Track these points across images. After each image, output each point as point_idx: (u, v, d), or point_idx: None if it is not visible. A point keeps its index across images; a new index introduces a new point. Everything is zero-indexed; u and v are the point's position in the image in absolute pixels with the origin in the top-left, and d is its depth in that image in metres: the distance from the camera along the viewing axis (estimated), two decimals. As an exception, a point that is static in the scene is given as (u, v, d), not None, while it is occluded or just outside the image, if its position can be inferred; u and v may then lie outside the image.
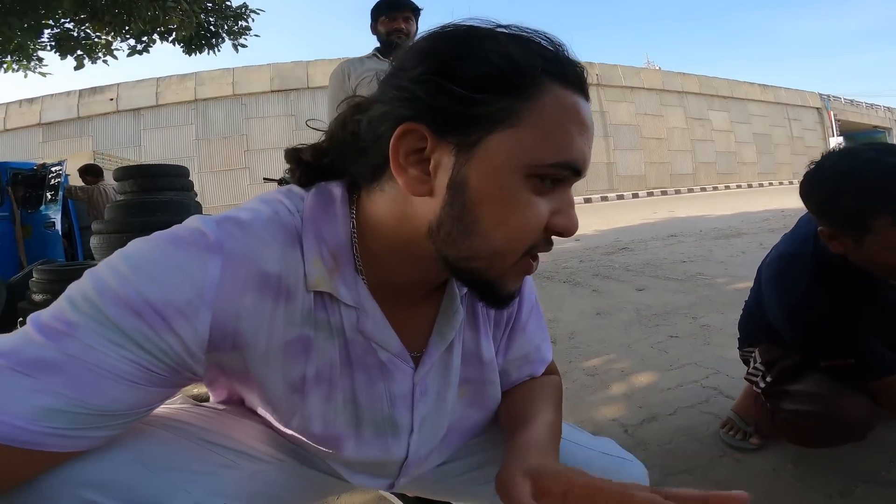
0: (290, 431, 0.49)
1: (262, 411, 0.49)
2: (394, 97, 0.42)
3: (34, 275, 2.96)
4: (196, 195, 3.98)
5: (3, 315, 2.97)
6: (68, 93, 14.03)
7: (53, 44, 4.68)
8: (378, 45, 2.01)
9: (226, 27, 5.14)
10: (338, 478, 0.55)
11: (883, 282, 0.95)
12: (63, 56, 4.70)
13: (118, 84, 14.24)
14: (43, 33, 4.55)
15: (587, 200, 13.58)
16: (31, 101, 14.01)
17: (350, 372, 0.47)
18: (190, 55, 5.11)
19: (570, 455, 0.58)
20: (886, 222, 0.81)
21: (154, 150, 13.74)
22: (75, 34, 4.70)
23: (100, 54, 4.87)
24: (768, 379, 1.11)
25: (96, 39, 4.79)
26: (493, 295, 0.45)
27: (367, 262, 0.46)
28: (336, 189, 0.47)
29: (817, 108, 21.35)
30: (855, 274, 0.93)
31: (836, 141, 19.12)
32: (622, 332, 2.24)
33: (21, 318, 2.84)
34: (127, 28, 4.41)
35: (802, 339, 1.03)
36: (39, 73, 5.08)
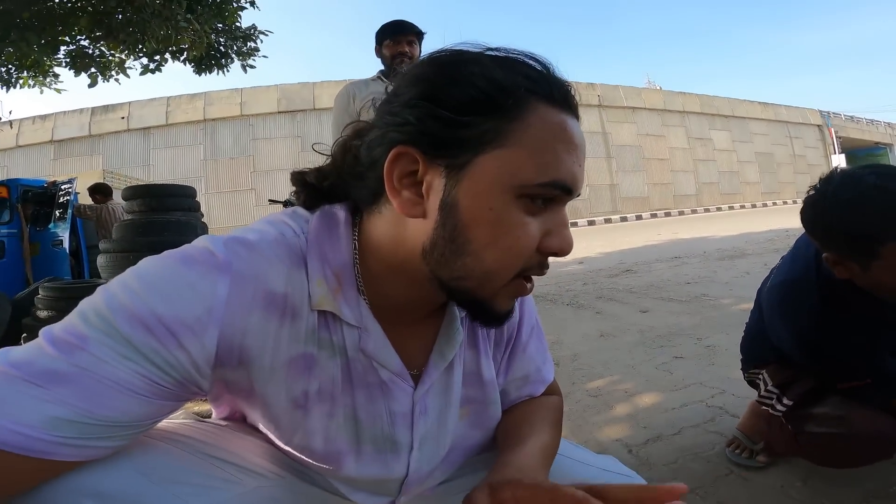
0: (291, 448, 0.49)
1: (263, 428, 0.50)
2: (388, 122, 0.43)
3: (40, 292, 3.00)
4: (202, 215, 4.02)
5: (7, 331, 2.99)
6: (81, 110, 14.25)
7: (69, 60, 4.77)
8: (383, 68, 2.05)
9: (235, 48, 5.25)
10: (338, 495, 0.55)
11: (890, 303, 0.95)
12: (78, 73, 4.79)
13: (130, 102, 14.44)
14: (59, 50, 4.63)
15: (590, 223, 13.57)
16: (43, 117, 14.23)
17: (351, 390, 0.48)
18: (200, 75, 5.21)
19: (569, 471, 0.58)
20: (895, 249, 0.81)
21: (163, 170, 13.89)
22: (91, 52, 4.81)
23: (113, 72, 4.97)
24: (786, 402, 1.10)
25: (110, 57, 4.89)
26: (485, 314, 0.46)
27: (368, 283, 0.47)
28: (340, 212, 0.48)
29: (818, 126, 21.30)
30: (862, 296, 0.93)
31: (837, 159, 19.02)
32: (626, 354, 2.23)
33: (25, 335, 2.85)
34: (140, 46, 4.50)
35: (817, 362, 1.03)
36: (55, 89, 5.20)
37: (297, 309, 0.44)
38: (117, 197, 4.79)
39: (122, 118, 14.23)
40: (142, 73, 4.99)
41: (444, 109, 0.40)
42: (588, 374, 2.02)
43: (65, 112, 14.33)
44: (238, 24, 5.22)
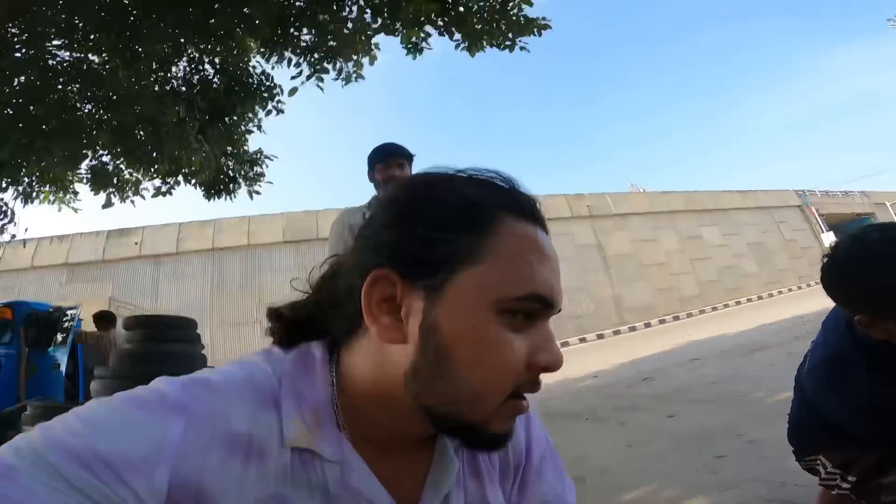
0: None
1: None
2: (364, 247, 0.44)
3: (28, 409, 3.04)
4: (203, 347, 3.99)
5: (-9, 444, 2.98)
6: (97, 233, 14.45)
7: (90, 176, 4.88)
8: (375, 193, 2.00)
9: (242, 172, 5.45)
10: None
11: None
12: (97, 191, 4.88)
13: (143, 227, 14.73)
14: (81, 164, 4.74)
15: (599, 336, 13.23)
16: (61, 238, 14.29)
17: None
18: (210, 200, 5.35)
19: None
20: None
21: (171, 299, 13.84)
22: (110, 168, 4.95)
23: (129, 192, 5.09)
24: (850, 479, 1.06)
25: (128, 176, 5.05)
26: (481, 439, 0.43)
27: (350, 417, 0.45)
28: (316, 350, 0.47)
29: (798, 206, 21.41)
30: None
31: (828, 237, 19.00)
32: (659, 461, 2.02)
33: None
34: (155, 166, 4.68)
35: (885, 433, 0.95)
36: (72, 207, 5.28)
37: (263, 449, 0.41)
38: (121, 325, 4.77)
39: (136, 243, 14.63)
40: (154, 196, 5.13)
41: (419, 227, 0.41)
42: (620, 486, 1.80)
43: (81, 234, 14.48)
44: (245, 147, 5.47)
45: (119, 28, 3.86)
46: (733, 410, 2.62)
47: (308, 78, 4.43)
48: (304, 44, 4.44)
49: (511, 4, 3.91)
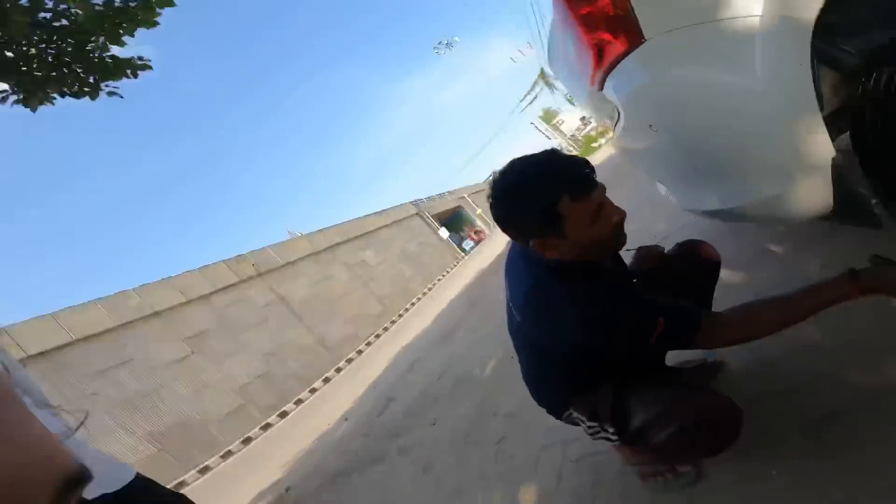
0: None
1: None
2: None
3: None
4: None
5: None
6: None
7: None
8: None
9: None
10: None
11: (607, 266, 1.06)
12: None
13: None
14: None
15: (325, 381, 12.66)
16: None
17: None
18: None
19: None
20: (567, 202, 0.91)
21: None
22: None
23: None
24: (611, 429, 1.08)
25: None
26: None
27: None
28: None
29: (417, 214, 26.32)
30: (585, 268, 1.01)
31: (443, 232, 25.04)
32: (459, 469, 1.94)
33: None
34: None
35: (611, 334, 1.00)
36: None
37: None
38: None
39: None
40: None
41: None
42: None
43: None
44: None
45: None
46: (473, 395, 2.82)
47: None
48: None
49: (91, 45, 3.03)
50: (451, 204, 31.84)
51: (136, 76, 3.31)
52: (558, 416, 1.26)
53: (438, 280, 20.99)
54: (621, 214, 0.98)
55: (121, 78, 3.24)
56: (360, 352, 13.80)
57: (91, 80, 3.07)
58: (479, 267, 11.01)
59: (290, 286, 17.32)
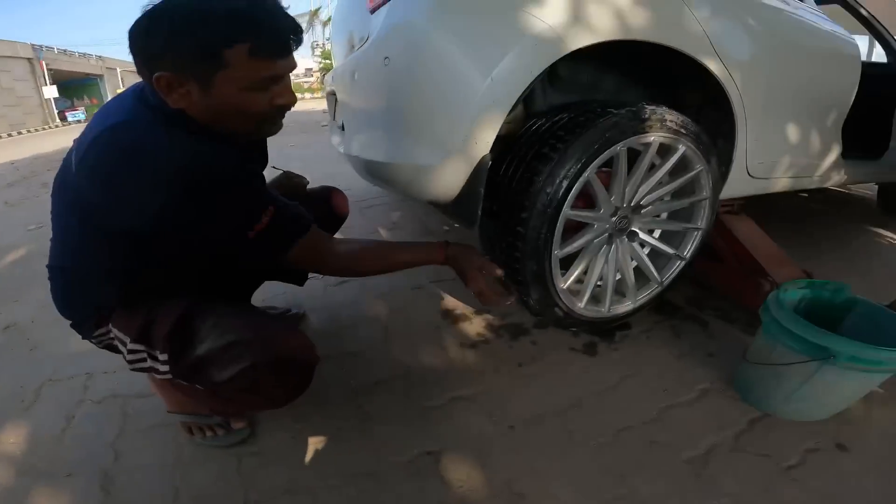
0: None
1: None
2: None
3: None
4: None
5: None
6: None
7: None
8: None
9: None
10: None
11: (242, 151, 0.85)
12: None
13: None
14: None
15: None
16: None
17: None
18: None
19: None
20: (242, 53, 0.70)
21: None
22: None
23: None
24: (163, 358, 0.83)
25: None
26: None
27: None
28: None
29: (29, 59, 20.71)
30: (207, 132, 0.77)
31: (49, 90, 20.25)
32: None
33: None
34: None
35: (213, 208, 0.73)
36: None
37: None
38: None
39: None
40: None
41: None
42: None
43: None
44: None
45: None
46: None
47: None
48: None
49: None
50: (90, 68, 25.35)
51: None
52: (88, 334, 0.91)
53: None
54: (290, 100, 0.79)
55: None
56: None
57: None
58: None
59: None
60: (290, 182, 1.31)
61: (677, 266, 1.42)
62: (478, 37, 1.00)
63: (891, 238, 2.34)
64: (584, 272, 1.30)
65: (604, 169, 1.17)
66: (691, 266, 1.44)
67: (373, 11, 1.16)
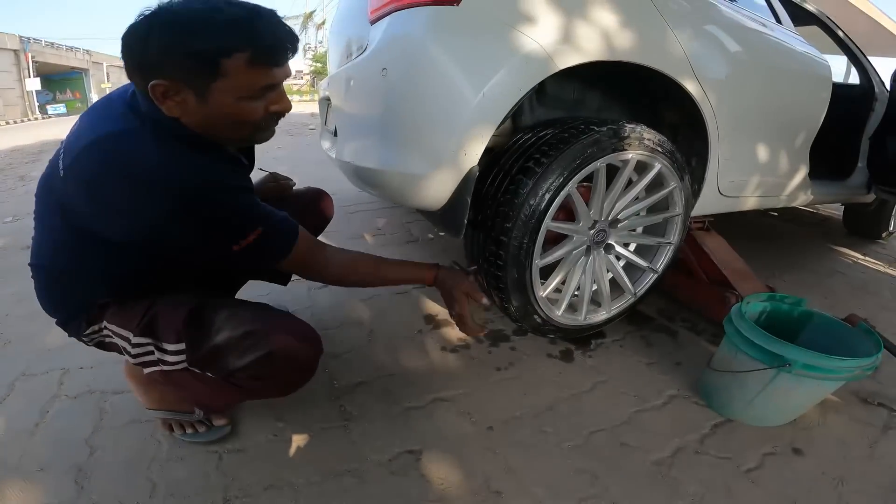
0: None
1: None
2: None
3: None
4: None
5: None
6: None
7: None
8: None
9: None
10: None
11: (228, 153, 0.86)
12: None
13: None
14: None
15: None
16: None
17: None
18: None
19: None
20: (241, 62, 0.71)
21: None
22: None
23: None
24: (174, 349, 0.84)
25: None
26: None
27: None
28: None
29: (15, 51, 20.31)
30: (201, 142, 0.78)
31: (32, 83, 19.84)
32: None
33: None
34: None
35: (205, 219, 0.75)
36: None
37: None
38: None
39: None
40: None
41: None
42: None
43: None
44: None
45: None
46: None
47: None
48: None
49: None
50: (76, 62, 24.63)
51: None
52: (77, 332, 0.91)
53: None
54: (285, 107, 0.81)
55: None
56: None
57: None
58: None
59: None
60: (277, 183, 1.34)
61: (650, 279, 1.49)
62: (473, 54, 1.05)
63: (854, 256, 2.47)
64: (563, 282, 1.35)
65: (584, 183, 1.23)
66: (663, 279, 1.51)
67: (373, 22, 1.19)
